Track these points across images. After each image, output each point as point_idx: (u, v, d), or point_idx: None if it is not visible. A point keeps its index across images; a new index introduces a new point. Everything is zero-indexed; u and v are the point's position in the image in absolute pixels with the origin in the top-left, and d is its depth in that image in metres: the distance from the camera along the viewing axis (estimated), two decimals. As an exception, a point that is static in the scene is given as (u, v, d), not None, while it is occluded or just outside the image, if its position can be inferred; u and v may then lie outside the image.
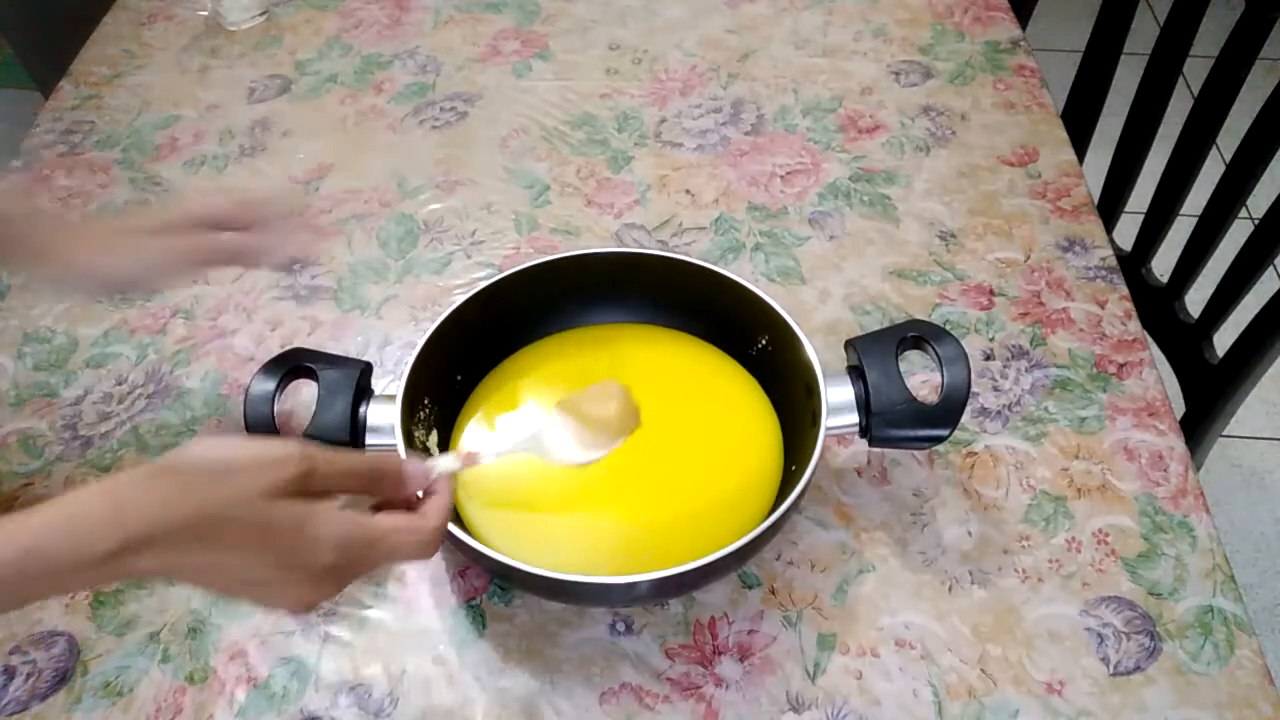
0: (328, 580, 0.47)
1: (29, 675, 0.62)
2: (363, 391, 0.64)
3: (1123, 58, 1.04)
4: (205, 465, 0.44)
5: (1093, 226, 0.84)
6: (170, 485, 0.43)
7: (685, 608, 0.63)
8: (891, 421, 0.62)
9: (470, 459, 0.55)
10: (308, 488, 0.46)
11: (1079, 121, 1.08)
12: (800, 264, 0.83)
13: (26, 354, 0.80)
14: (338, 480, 0.48)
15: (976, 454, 0.70)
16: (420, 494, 0.52)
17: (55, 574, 0.41)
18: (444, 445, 0.67)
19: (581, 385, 0.64)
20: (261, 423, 0.61)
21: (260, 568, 0.45)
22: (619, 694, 0.60)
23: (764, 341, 0.69)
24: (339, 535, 0.46)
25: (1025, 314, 0.78)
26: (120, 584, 0.43)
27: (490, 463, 0.56)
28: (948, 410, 0.61)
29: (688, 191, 0.89)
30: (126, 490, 0.42)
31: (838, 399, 0.63)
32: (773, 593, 0.64)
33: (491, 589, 0.65)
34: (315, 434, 0.61)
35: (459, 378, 0.70)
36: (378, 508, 0.51)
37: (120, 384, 0.77)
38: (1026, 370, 0.75)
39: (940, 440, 0.63)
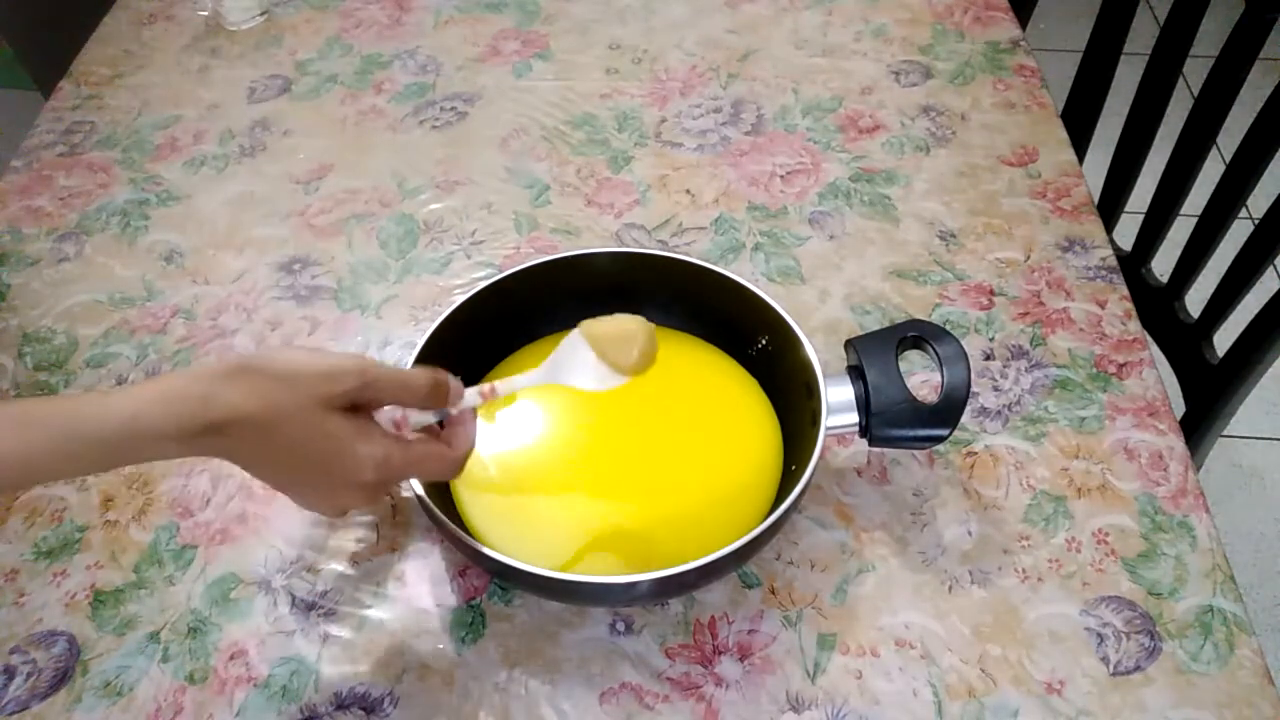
0: (361, 492, 0.54)
1: (29, 675, 0.62)
2: (363, 391, 0.64)
3: (1123, 58, 1.04)
4: (278, 369, 0.50)
5: (1093, 226, 0.84)
6: (249, 382, 0.49)
7: (685, 608, 0.63)
8: (891, 421, 0.62)
9: (490, 393, 0.58)
10: (362, 399, 0.52)
11: (1079, 121, 1.08)
12: (800, 264, 0.83)
13: (26, 354, 0.80)
14: (392, 392, 0.53)
15: (976, 454, 0.70)
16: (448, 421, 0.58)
17: (155, 442, 0.48)
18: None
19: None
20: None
21: (307, 469, 0.52)
22: (619, 694, 0.60)
23: (764, 341, 0.69)
24: (380, 456, 0.52)
25: (1025, 314, 0.78)
26: (204, 457, 0.51)
27: (510, 393, 0.58)
28: (948, 410, 0.61)
29: (688, 191, 0.89)
30: (213, 380, 0.49)
31: (838, 399, 0.63)
32: (773, 592, 0.64)
33: (491, 589, 0.65)
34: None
35: (459, 377, 0.70)
36: None
37: (120, 384, 0.77)
38: (1026, 370, 0.75)
39: (940, 440, 0.63)
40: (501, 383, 0.58)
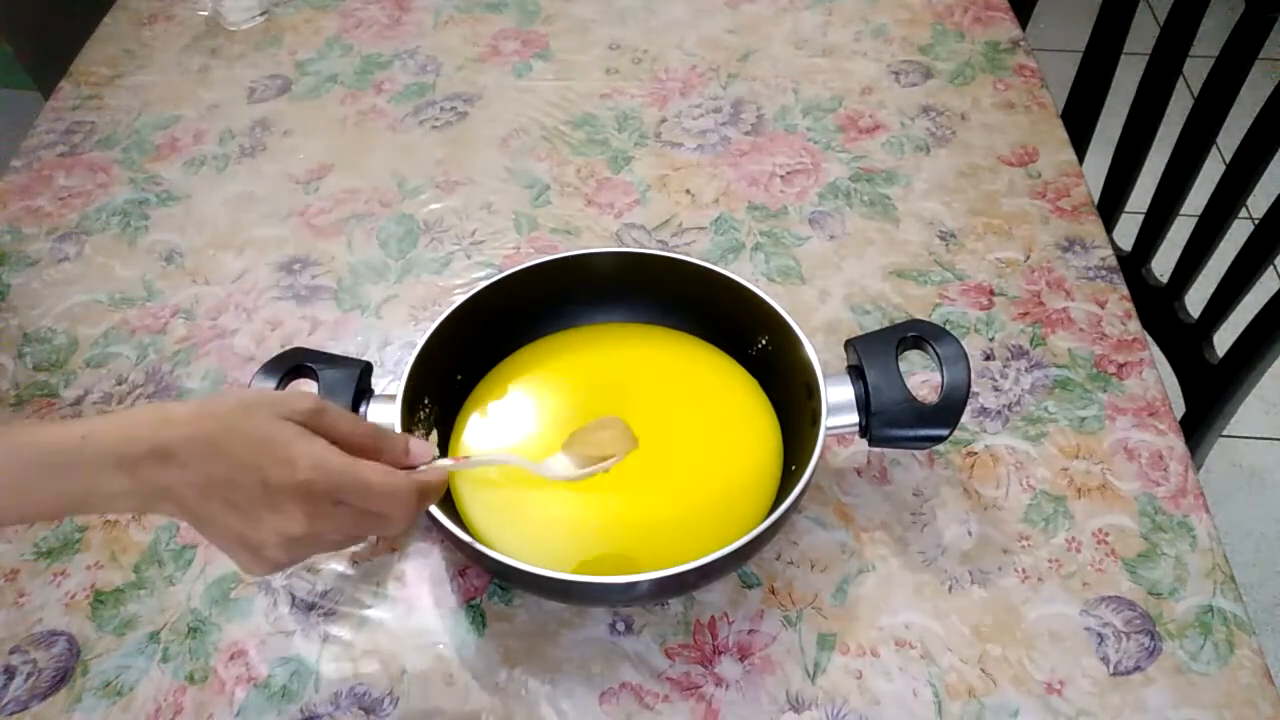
0: (300, 509, 0.48)
1: (29, 675, 0.62)
2: (363, 392, 0.64)
3: (1123, 58, 1.04)
4: (235, 396, 0.51)
5: (1093, 226, 0.84)
6: (202, 408, 0.49)
7: (685, 608, 0.63)
8: (891, 421, 0.62)
9: (462, 462, 0.58)
10: (315, 424, 0.50)
11: (1079, 121, 1.08)
12: (800, 264, 0.83)
13: (26, 354, 0.80)
14: (344, 426, 0.52)
15: (976, 454, 0.70)
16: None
17: (103, 469, 0.47)
18: (444, 445, 0.67)
19: (581, 385, 0.64)
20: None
21: (245, 485, 0.48)
22: (619, 694, 0.60)
23: (764, 341, 0.69)
24: (316, 454, 0.49)
25: (1025, 314, 0.78)
26: (145, 507, 0.49)
27: (480, 466, 0.59)
28: (948, 410, 0.61)
29: (688, 191, 0.89)
30: (167, 407, 0.50)
31: (838, 399, 0.63)
32: (773, 592, 0.64)
33: (491, 589, 0.65)
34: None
35: (459, 378, 0.70)
36: None
37: (120, 384, 0.77)
38: (1026, 370, 0.75)
39: (940, 440, 0.63)
40: (477, 457, 0.58)
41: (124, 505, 0.48)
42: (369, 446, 0.52)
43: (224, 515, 0.49)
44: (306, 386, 0.63)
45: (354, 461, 0.50)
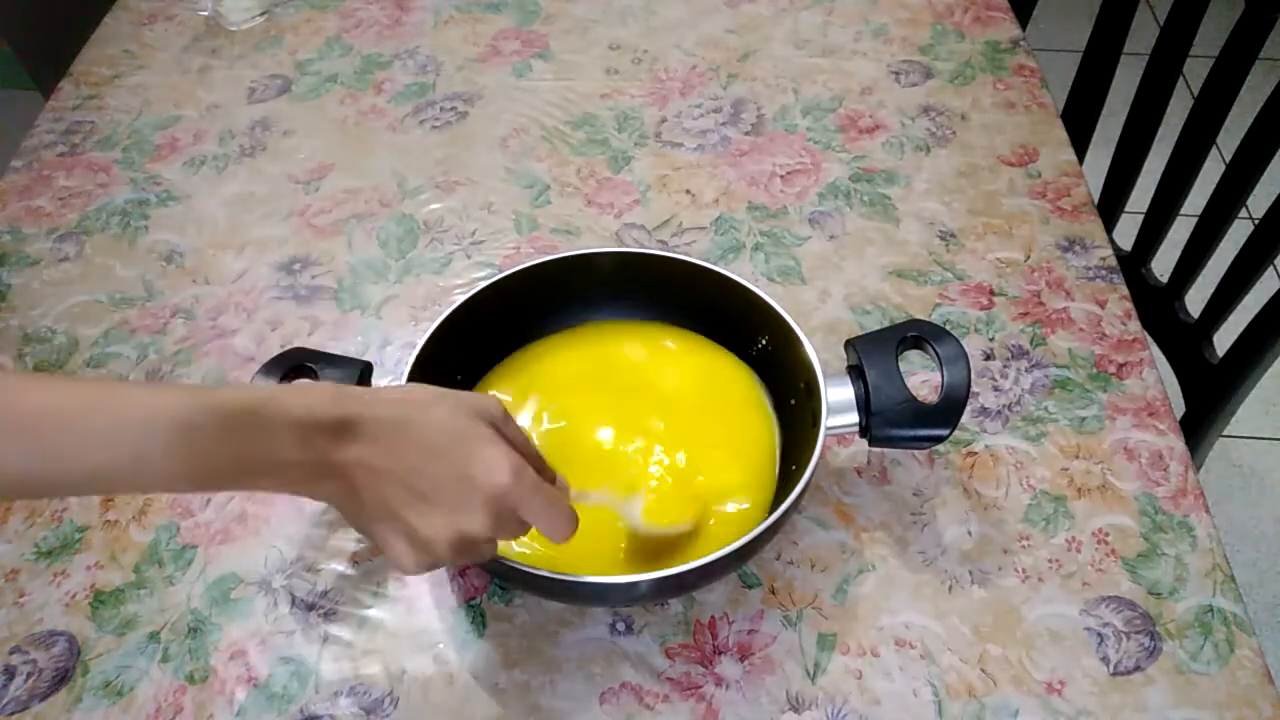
0: (488, 510, 0.47)
1: (29, 675, 0.62)
2: (363, 391, 0.64)
3: (1123, 58, 1.04)
4: (425, 388, 0.50)
5: (1093, 226, 0.84)
6: (392, 391, 0.50)
7: (685, 608, 0.63)
8: (891, 421, 0.62)
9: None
10: (503, 430, 0.50)
11: (1079, 121, 1.08)
12: (800, 264, 0.83)
13: (26, 354, 0.80)
14: (520, 439, 0.51)
15: (976, 454, 0.70)
16: None
17: (281, 431, 0.45)
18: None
19: (581, 385, 0.64)
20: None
21: (434, 468, 0.47)
22: (619, 694, 0.60)
23: (764, 341, 0.69)
24: (518, 463, 0.48)
25: (1025, 314, 0.78)
26: (310, 484, 0.47)
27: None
28: (948, 410, 0.61)
29: (688, 191, 0.89)
30: (354, 387, 0.50)
31: (838, 399, 0.63)
32: (773, 592, 0.64)
33: (491, 589, 0.65)
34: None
35: (459, 378, 0.70)
36: None
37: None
38: (1026, 370, 0.75)
39: (940, 440, 0.63)
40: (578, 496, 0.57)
41: (292, 477, 0.46)
42: (535, 466, 0.51)
43: (399, 501, 0.47)
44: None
45: (543, 482, 0.50)
